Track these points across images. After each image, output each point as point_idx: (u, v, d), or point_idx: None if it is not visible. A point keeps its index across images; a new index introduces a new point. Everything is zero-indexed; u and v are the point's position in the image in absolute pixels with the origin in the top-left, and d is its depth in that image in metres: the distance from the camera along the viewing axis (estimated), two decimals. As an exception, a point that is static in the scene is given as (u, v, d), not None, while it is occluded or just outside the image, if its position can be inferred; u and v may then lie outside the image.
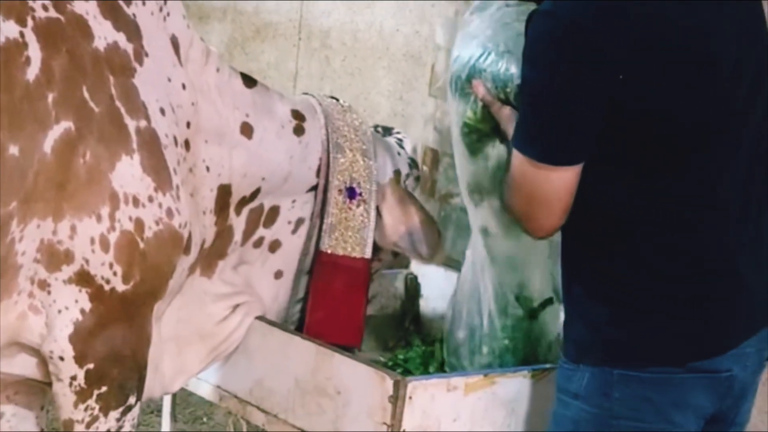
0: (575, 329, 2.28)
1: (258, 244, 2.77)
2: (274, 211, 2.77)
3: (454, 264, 3.05)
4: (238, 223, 2.72)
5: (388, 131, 3.03)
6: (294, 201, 2.79)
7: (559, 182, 2.16)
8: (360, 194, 2.79)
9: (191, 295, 2.68)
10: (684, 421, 2.24)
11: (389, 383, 2.44)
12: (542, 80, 2.14)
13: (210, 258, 2.69)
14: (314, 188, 2.80)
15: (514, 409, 2.55)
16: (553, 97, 2.13)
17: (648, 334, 2.21)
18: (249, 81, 2.74)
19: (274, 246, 2.80)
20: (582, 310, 2.26)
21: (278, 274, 2.83)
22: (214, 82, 2.65)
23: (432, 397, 2.46)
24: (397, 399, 2.43)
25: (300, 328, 2.83)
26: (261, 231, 2.76)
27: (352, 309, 2.82)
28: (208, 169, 2.61)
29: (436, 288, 3.16)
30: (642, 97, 2.13)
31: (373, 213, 2.80)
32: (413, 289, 3.20)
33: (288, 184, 2.76)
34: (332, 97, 2.93)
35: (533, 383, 2.57)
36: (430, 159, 3.84)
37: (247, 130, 2.68)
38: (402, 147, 2.97)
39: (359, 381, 2.52)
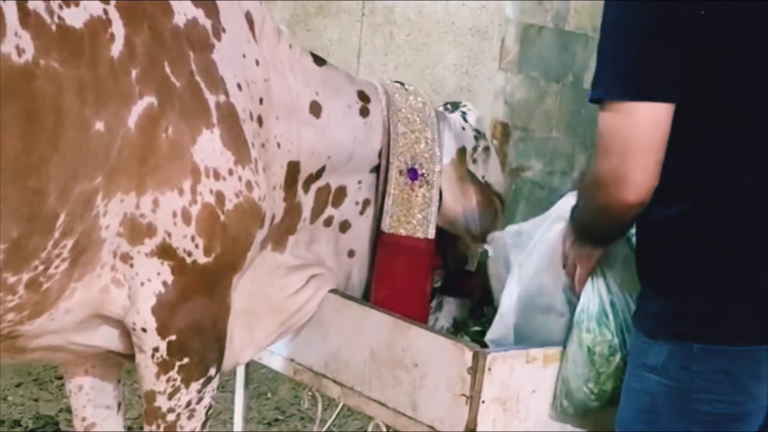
0: (653, 303, 2.27)
1: (328, 223, 2.80)
2: (341, 192, 2.79)
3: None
4: (307, 200, 2.74)
5: (455, 106, 3.03)
6: (360, 182, 2.81)
7: (652, 122, 2.10)
8: (422, 175, 2.80)
9: (262, 269, 2.71)
10: (760, 393, 2.23)
11: (468, 355, 2.44)
12: (626, 16, 2.11)
13: (280, 234, 2.72)
14: (377, 169, 2.82)
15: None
16: (638, 32, 2.09)
17: (733, 310, 2.20)
18: (318, 60, 2.76)
19: (345, 226, 2.82)
20: (662, 284, 2.25)
21: (351, 253, 2.86)
22: (286, 58, 2.68)
23: (511, 369, 2.46)
24: (476, 370, 2.43)
25: None
26: (330, 210, 2.79)
27: (416, 289, 2.83)
28: (279, 145, 2.64)
29: (503, 265, 3.15)
30: (721, 38, 2.11)
31: (436, 194, 2.81)
32: (484, 263, 3.20)
33: (351, 163, 2.78)
34: (397, 82, 2.95)
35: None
36: (500, 132, 3.84)
37: (316, 108, 2.70)
38: (465, 120, 2.97)
39: (437, 353, 2.52)
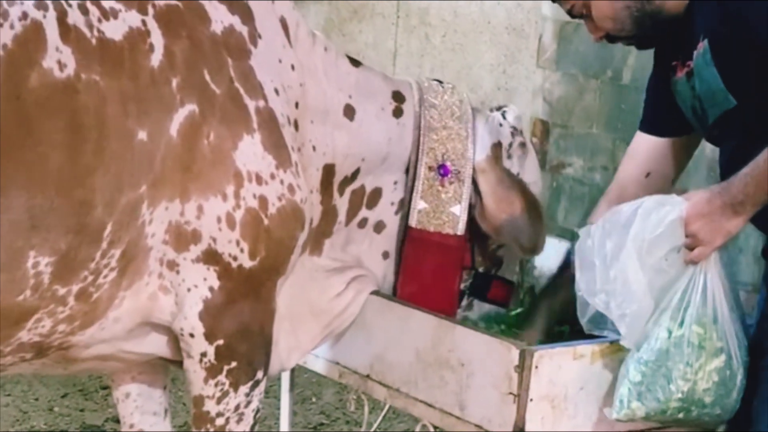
0: None
1: (362, 224, 2.80)
2: (377, 193, 2.79)
3: (567, 234, 3.03)
4: (342, 203, 2.75)
5: (499, 110, 3.00)
6: (396, 182, 2.81)
7: None
8: (454, 171, 2.79)
9: (302, 273, 2.72)
10: None
11: (515, 353, 2.44)
12: None
13: (317, 237, 2.73)
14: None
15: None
16: None
17: None
18: (354, 62, 2.77)
19: (379, 227, 2.83)
20: None
21: (386, 255, 2.86)
22: (321, 62, 2.69)
23: (558, 366, 2.46)
24: (523, 369, 2.42)
25: None
26: (364, 212, 2.79)
27: (445, 285, 2.81)
28: (314, 148, 2.65)
29: (549, 259, 3.14)
30: None
31: (467, 191, 2.79)
32: (527, 261, 3.18)
33: (386, 164, 2.78)
34: (436, 80, 2.94)
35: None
36: (540, 130, 3.83)
37: (349, 112, 2.72)
38: (504, 117, 2.95)
39: (483, 352, 2.52)
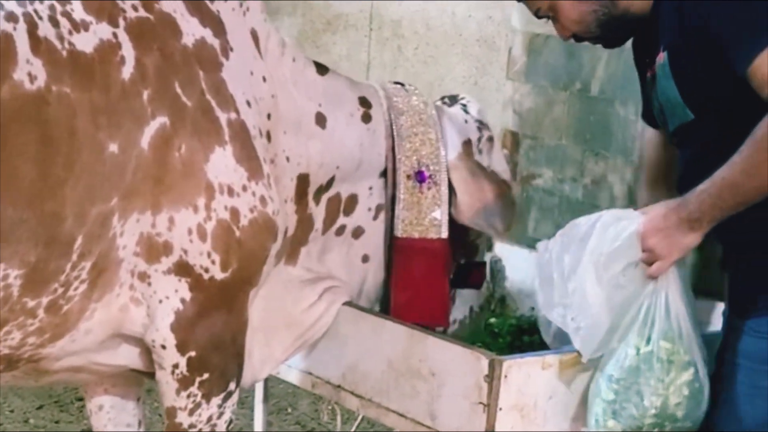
0: None
1: (340, 232, 2.82)
2: (353, 199, 2.81)
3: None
4: (318, 212, 2.76)
5: (453, 99, 3.03)
6: (371, 188, 2.83)
7: None
8: (430, 177, 2.81)
9: (276, 283, 2.73)
10: None
11: (484, 362, 2.46)
12: None
13: (293, 246, 2.74)
14: (386, 173, 2.83)
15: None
16: None
17: None
18: (321, 69, 2.79)
19: (357, 232, 2.84)
20: None
21: (365, 258, 2.87)
22: (290, 73, 2.71)
23: (527, 376, 2.48)
24: (492, 378, 2.44)
25: (386, 312, 2.86)
26: (342, 219, 2.81)
27: (435, 289, 2.84)
28: (288, 159, 2.67)
29: (520, 270, 3.17)
30: None
31: (444, 194, 2.82)
32: (498, 271, 3.21)
33: (360, 170, 2.80)
34: (396, 82, 2.96)
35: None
36: (510, 141, 3.86)
37: (320, 120, 2.73)
38: (467, 112, 2.97)
39: (453, 362, 2.54)
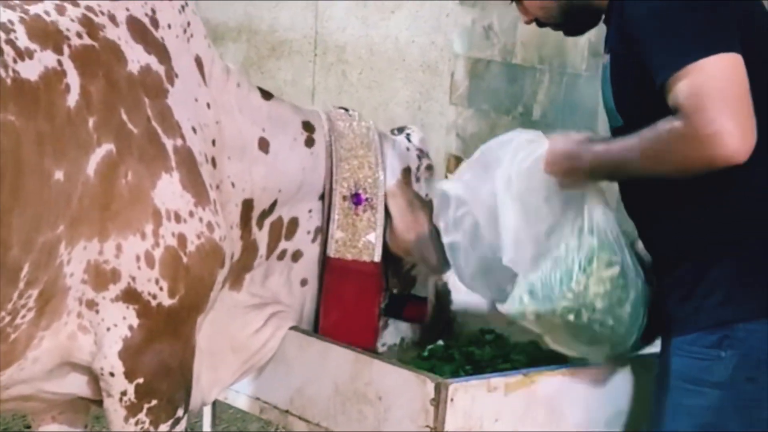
0: (717, 292, 2.29)
1: (281, 256, 2.84)
2: (294, 223, 2.83)
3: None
4: (262, 236, 2.78)
5: (401, 131, 3.07)
6: (311, 211, 2.85)
7: (732, 70, 2.16)
8: (366, 200, 2.84)
9: (222, 308, 2.74)
10: None
11: (430, 386, 2.48)
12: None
13: (237, 272, 2.75)
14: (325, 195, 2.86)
15: (555, 407, 2.59)
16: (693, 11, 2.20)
17: None
18: (266, 94, 2.81)
19: (297, 256, 2.86)
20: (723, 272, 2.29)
21: (303, 282, 2.89)
22: (234, 98, 2.72)
23: (473, 399, 2.50)
24: (438, 402, 2.46)
25: (314, 330, 2.87)
26: (283, 244, 2.83)
27: (365, 312, 2.86)
28: (233, 185, 2.68)
29: (466, 294, 3.19)
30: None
31: (381, 218, 2.85)
32: (444, 295, 3.23)
33: (300, 194, 2.82)
34: (342, 108, 2.99)
35: (572, 381, 2.60)
36: (454, 165, 3.89)
37: (264, 145, 2.75)
38: (409, 140, 3.00)
39: (399, 385, 2.56)
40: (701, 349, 2.31)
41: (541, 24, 2.64)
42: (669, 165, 2.24)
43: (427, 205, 2.92)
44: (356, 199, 2.82)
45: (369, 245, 2.82)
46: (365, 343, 2.82)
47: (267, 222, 2.77)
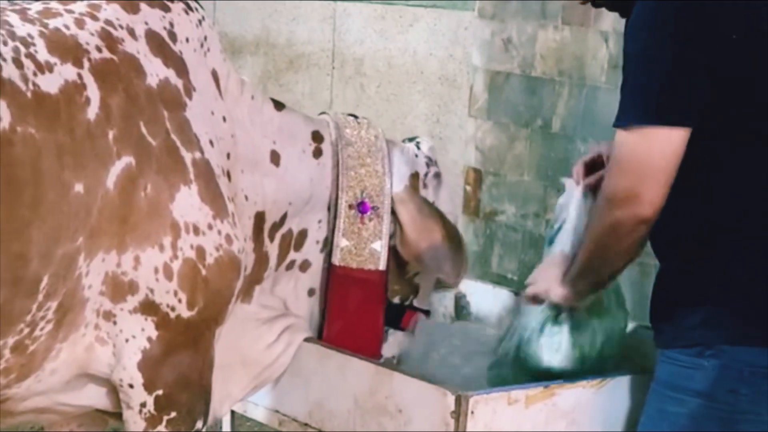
0: (698, 313, 2.30)
1: (290, 266, 2.84)
2: (303, 234, 2.83)
3: (503, 281, 3.08)
4: (273, 248, 2.79)
5: (412, 140, 3.07)
6: (320, 221, 2.86)
7: (669, 145, 2.24)
8: (372, 208, 2.84)
9: (234, 321, 2.73)
10: None
11: (451, 399, 2.47)
12: (652, 45, 2.23)
13: (249, 284, 2.76)
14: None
15: (575, 420, 2.58)
16: (664, 59, 2.22)
17: None
18: (278, 105, 2.82)
19: (305, 266, 2.86)
20: (708, 287, 2.30)
21: (311, 292, 2.89)
22: (248, 112, 2.73)
23: (494, 411, 2.49)
24: (459, 414, 2.45)
25: (319, 338, 2.86)
26: (292, 254, 2.83)
27: (370, 320, 2.86)
28: (246, 198, 2.69)
29: (485, 306, 3.19)
30: (748, 63, 2.23)
31: (386, 226, 2.84)
32: (463, 307, 3.22)
33: (309, 205, 2.83)
34: (351, 115, 2.99)
35: (593, 393, 2.60)
36: (473, 178, 3.89)
37: (275, 158, 2.76)
38: (418, 148, 3.00)
39: (420, 398, 2.55)
40: (684, 357, 2.31)
41: (596, 4, 2.64)
42: (614, 241, 2.35)
43: (437, 212, 2.91)
44: (362, 207, 2.83)
45: (374, 253, 2.82)
46: (371, 351, 2.82)
47: (278, 234, 2.78)
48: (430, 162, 3.00)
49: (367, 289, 2.83)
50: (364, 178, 2.83)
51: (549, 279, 2.56)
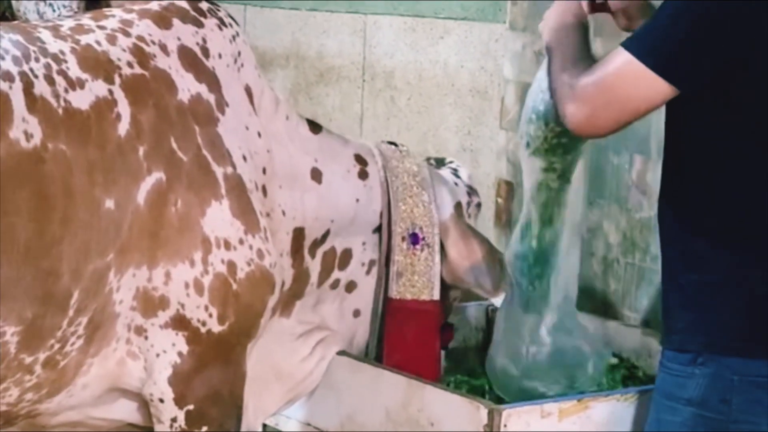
0: (697, 322, 2.29)
1: (335, 285, 2.84)
2: (347, 254, 2.83)
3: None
4: (314, 265, 2.78)
5: (441, 162, 3.08)
6: (364, 243, 2.86)
7: (651, 97, 2.25)
8: (423, 239, 2.85)
9: (269, 335, 2.74)
10: None
11: (483, 412, 2.46)
12: (689, 3, 2.22)
13: (288, 299, 2.76)
14: (379, 229, 2.86)
15: (609, 432, 2.57)
16: (693, 20, 2.21)
17: None
18: (315, 127, 2.82)
19: (351, 287, 2.86)
20: (710, 297, 2.28)
21: (356, 313, 2.89)
22: (284, 128, 2.74)
23: (527, 424, 2.48)
24: (492, 428, 2.45)
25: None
26: (336, 273, 2.83)
27: (427, 350, 2.87)
28: (284, 213, 2.69)
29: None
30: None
31: (437, 256, 2.86)
32: (494, 319, 3.22)
33: (354, 226, 2.83)
34: (390, 142, 3.01)
35: (627, 405, 2.58)
36: (504, 191, 3.87)
37: (316, 175, 2.76)
38: (458, 176, 3.02)
39: (452, 411, 2.54)
40: (678, 366, 2.30)
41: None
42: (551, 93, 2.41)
43: (477, 233, 2.93)
44: (414, 239, 2.85)
45: (428, 284, 2.84)
46: (430, 379, 2.81)
47: (319, 251, 2.78)
48: (471, 191, 3.03)
49: (424, 320, 2.86)
50: (413, 208, 2.85)
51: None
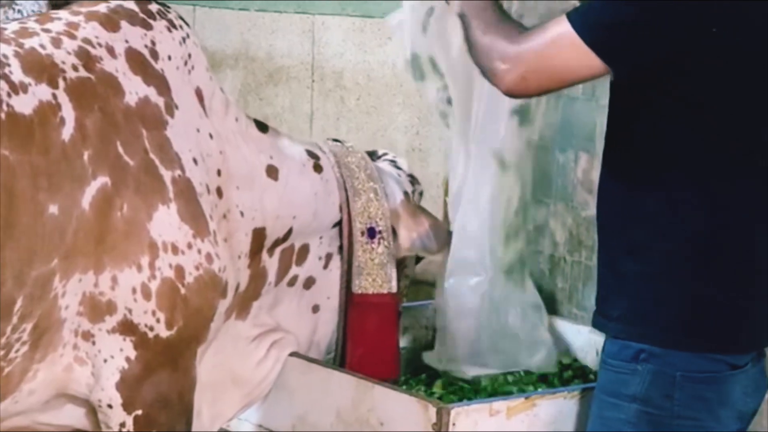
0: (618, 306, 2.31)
1: (292, 282, 2.84)
2: (305, 249, 2.83)
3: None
4: (271, 264, 2.78)
5: (373, 154, 3.09)
6: (321, 237, 2.86)
7: (581, 70, 2.26)
8: (379, 232, 2.86)
9: (225, 339, 2.74)
10: (725, 419, 2.31)
11: (432, 411, 2.47)
12: None
13: (244, 301, 2.76)
14: (338, 224, 2.87)
15: (557, 430, 2.59)
16: (641, 3, 2.21)
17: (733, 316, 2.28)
18: (262, 127, 2.82)
19: (309, 283, 2.87)
20: (649, 286, 2.29)
21: (315, 309, 2.90)
22: (236, 129, 2.73)
23: (475, 423, 2.50)
24: (440, 427, 2.46)
25: (342, 365, 2.89)
26: (294, 270, 2.83)
27: (387, 342, 2.89)
28: (242, 214, 2.68)
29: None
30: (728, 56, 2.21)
31: (392, 246, 2.88)
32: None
33: (316, 221, 2.83)
34: (335, 140, 3.02)
35: (573, 403, 2.61)
36: (452, 190, 3.91)
37: (273, 172, 2.75)
38: (398, 167, 3.05)
39: (401, 411, 2.55)
40: (620, 362, 2.31)
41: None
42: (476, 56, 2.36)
43: (426, 210, 2.98)
44: (371, 233, 2.86)
45: (387, 277, 2.85)
46: (391, 374, 2.86)
47: (278, 249, 2.78)
48: (413, 180, 3.05)
49: (383, 312, 2.88)
50: (367, 203, 2.86)
51: None
